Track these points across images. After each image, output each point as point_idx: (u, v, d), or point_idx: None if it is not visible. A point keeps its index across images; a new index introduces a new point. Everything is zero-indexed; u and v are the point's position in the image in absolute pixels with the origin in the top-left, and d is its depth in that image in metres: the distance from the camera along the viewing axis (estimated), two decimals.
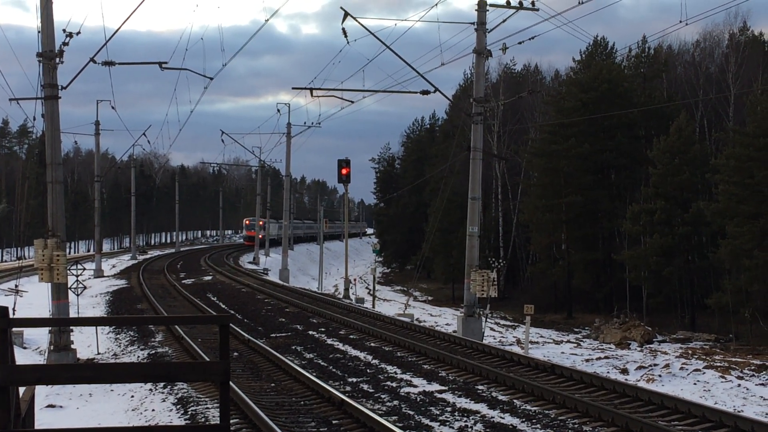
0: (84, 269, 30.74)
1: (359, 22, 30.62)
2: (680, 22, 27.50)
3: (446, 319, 47.09)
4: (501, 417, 15.30)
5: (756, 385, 20.27)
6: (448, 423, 14.76)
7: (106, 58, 27.96)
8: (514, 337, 37.12)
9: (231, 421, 12.38)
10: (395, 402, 16.48)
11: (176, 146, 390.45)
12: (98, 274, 59.93)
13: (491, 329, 39.75)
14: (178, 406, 16.33)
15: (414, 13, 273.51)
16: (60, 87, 23.28)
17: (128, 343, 26.07)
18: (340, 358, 22.15)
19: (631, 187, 60.13)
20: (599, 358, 25.59)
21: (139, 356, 23.42)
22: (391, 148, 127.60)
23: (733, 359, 27.43)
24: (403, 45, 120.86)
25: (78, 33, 23.74)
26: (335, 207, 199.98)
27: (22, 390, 9.21)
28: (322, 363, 21.24)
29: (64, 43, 23.25)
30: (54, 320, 19.77)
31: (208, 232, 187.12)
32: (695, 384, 20.37)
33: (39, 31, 22.81)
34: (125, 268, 68.77)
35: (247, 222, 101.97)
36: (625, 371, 22.73)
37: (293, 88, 65.81)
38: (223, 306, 36.65)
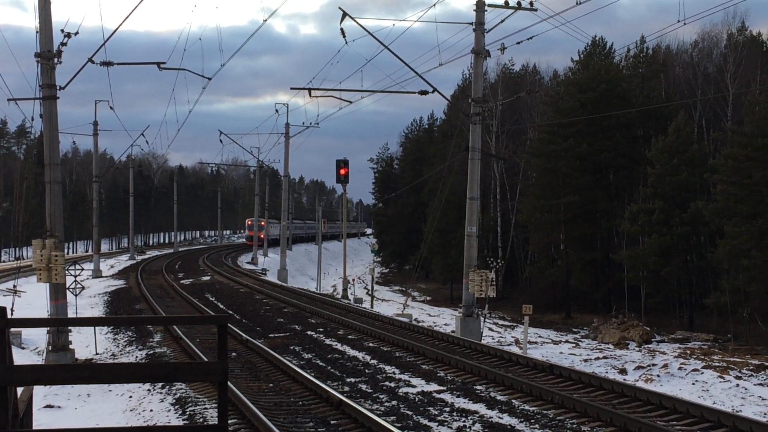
0: (82, 269, 30.72)
1: (358, 23, 30.64)
2: (678, 21, 27.50)
3: (445, 319, 47.12)
4: (499, 417, 15.30)
5: (754, 385, 20.28)
6: (446, 423, 14.76)
7: (104, 59, 27.97)
8: (512, 337, 37.14)
9: (229, 422, 12.38)
10: (394, 402, 16.48)
11: (174, 146, 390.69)
12: (96, 274, 59.90)
13: (490, 329, 39.77)
14: (176, 407, 16.33)
15: (412, 13, 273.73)
16: (58, 87, 23.27)
17: (126, 343, 26.05)
18: (338, 358, 22.14)
19: (629, 187, 60.15)
20: (598, 358, 25.60)
21: (137, 356, 23.41)
22: (389, 149, 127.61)
23: (732, 359, 27.45)
24: (402, 45, 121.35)
25: (76, 33, 23.75)
26: (334, 207, 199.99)
27: (20, 390, 9.20)
28: (321, 363, 21.24)
29: (63, 44, 23.26)
30: (52, 320, 19.76)
31: (206, 233, 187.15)
32: (694, 384, 20.38)
33: (37, 32, 22.80)
34: (123, 268, 68.74)
35: (249, 222, 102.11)
36: (623, 371, 22.74)
37: (292, 89, 66.00)
38: (222, 306, 36.64)
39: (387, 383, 18.48)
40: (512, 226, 69.80)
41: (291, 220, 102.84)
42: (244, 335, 25.19)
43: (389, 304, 59.28)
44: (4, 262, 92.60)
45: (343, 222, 61.33)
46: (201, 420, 15.16)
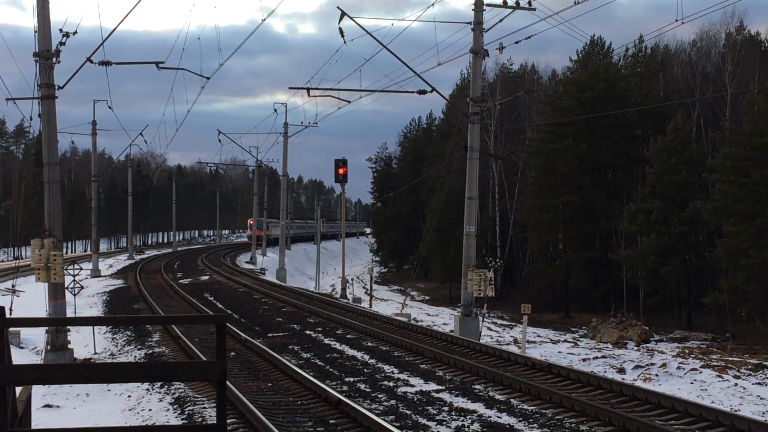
0: (81, 269, 30.71)
1: (356, 22, 30.63)
2: (677, 21, 27.50)
3: (443, 319, 47.12)
4: (498, 416, 15.30)
5: (753, 384, 20.29)
6: (445, 422, 14.76)
7: (102, 58, 28.01)
8: (511, 336, 37.13)
9: (228, 421, 12.38)
10: (392, 401, 16.48)
11: (173, 146, 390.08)
12: (95, 273, 59.86)
13: (488, 329, 39.77)
14: (175, 406, 16.33)
15: (411, 12, 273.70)
16: (57, 87, 23.27)
17: (125, 342, 26.05)
18: (337, 357, 22.15)
19: (628, 186, 60.19)
20: (596, 358, 25.60)
21: (136, 356, 23.41)
22: (388, 148, 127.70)
23: (730, 358, 27.46)
24: (400, 45, 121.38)
25: (75, 33, 23.74)
26: (332, 207, 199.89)
27: (18, 390, 9.20)
28: (319, 362, 21.24)
29: (61, 43, 23.25)
30: (51, 320, 19.77)
31: (205, 232, 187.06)
32: (692, 383, 20.38)
33: (36, 31, 22.79)
34: (122, 267, 68.71)
35: (251, 222, 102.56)
36: (622, 371, 22.75)
37: (290, 88, 65.82)
38: (220, 306, 36.63)
39: (386, 382, 18.48)
40: (511, 225, 69.84)
41: (290, 220, 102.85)
42: (242, 335, 25.19)
43: (388, 303, 59.29)
44: (2, 261, 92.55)
45: (341, 221, 61.32)
46: (200, 419, 15.16)
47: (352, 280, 62.03)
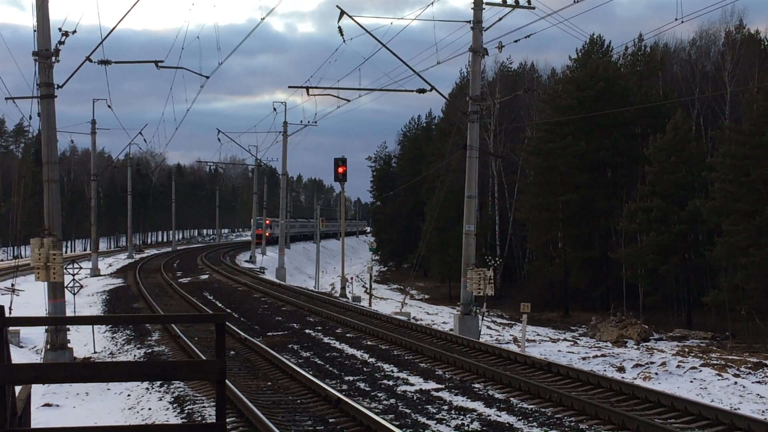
0: (80, 268, 30.73)
1: (355, 21, 30.61)
2: (676, 20, 27.50)
3: (443, 318, 47.12)
4: (497, 415, 15.31)
5: (752, 383, 20.29)
6: (444, 421, 14.76)
7: (102, 57, 28.00)
8: (510, 335, 37.12)
9: (227, 420, 12.39)
10: (392, 400, 16.48)
11: (172, 145, 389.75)
12: (95, 273, 59.87)
13: (488, 327, 39.77)
14: (174, 405, 16.33)
15: (410, 11, 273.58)
16: (56, 86, 23.25)
17: (125, 341, 26.06)
18: (336, 356, 22.15)
19: (627, 185, 60.19)
20: (596, 356, 25.58)
21: (135, 355, 23.41)
22: (387, 147, 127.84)
23: (730, 357, 27.45)
24: (399, 43, 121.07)
25: (74, 32, 23.71)
26: (332, 205, 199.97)
27: (18, 389, 9.19)
28: (319, 361, 21.25)
29: (60, 42, 23.23)
30: (50, 319, 19.72)
31: (204, 231, 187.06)
32: (692, 382, 20.38)
33: (35, 30, 22.78)
34: (122, 267, 68.72)
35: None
36: (621, 369, 22.74)
37: (289, 87, 65.93)
38: (220, 305, 36.62)
39: (385, 381, 18.49)
40: (510, 224, 69.83)
41: (289, 219, 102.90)
42: (242, 334, 25.19)
43: (387, 302, 59.27)
44: (2, 260, 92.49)
45: (341, 220, 61.33)
46: (199, 418, 15.17)
47: (352, 278, 62.02)
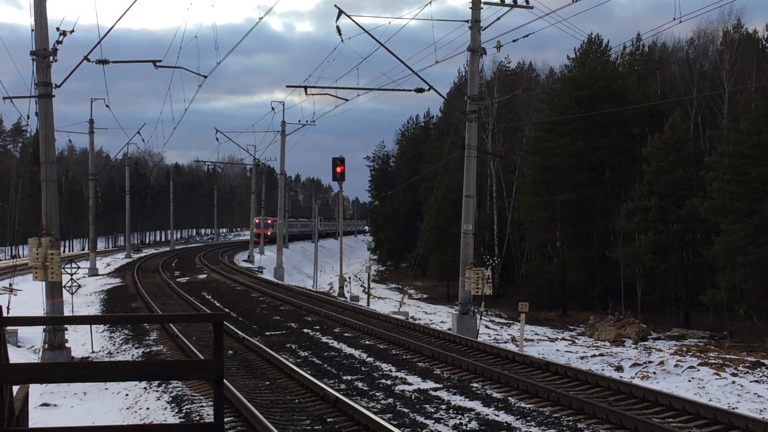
0: (78, 268, 30.70)
1: (353, 20, 30.61)
2: (674, 19, 27.50)
3: (441, 317, 47.12)
4: (495, 414, 15.31)
5: (750, 382, 20.28)
6: (442, 421, 14.76)
7: (100, 57, 27.97)
8: (508, 334, 37.12)
9: (225, 420, 12.38)
10: (390, 400, 16.48)
11: (171, 144, 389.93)
12: (93, 272, 59.84)
13: (486, 327, 39.77)
14: (172, 405, 16.33)
15: (408, 10, 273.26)
16: (54, 85, 23.25)
17: (123, 341, 26.05)
18: (334, 356, 22.15)
19: (625, 184, 60.20)
20: (594, 356, 25.58)
21: (133, 354, 23.41)
22: (385, 146, 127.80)
23: (728, 356, 27.45)
24: (398, 43, 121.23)
25: (72, 31, 23.68)
26: (330, 205, 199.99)
27: (16, 389, 9.19)
28: (317, 361, 21.25)
29: (58, 42, 23.21)
30: (48, 319, 19.70)
31: (202, 231, 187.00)
32: (690, 381, 20.38)
33: (33, 30, 22.77)
34: (120, 266, 68.69)
35: (257, 221, 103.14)
36: (619, 368, 22.73)
37: (287, 86, 65.78)
38: (218, 304, 36.62)
39: (383, 381, 18.49)
40: (508, 223, 69.84)
41: (288, 219, 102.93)
42: (240, 333, 25.20)
43: (386, 301, 59.26)
44: (0, 260, 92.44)
45: (339, 220, 61.31)
46: (197, 418, 15.17)
47: (350, 278, 62.02)
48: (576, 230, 59.81)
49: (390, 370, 19.88)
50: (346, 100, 42.43)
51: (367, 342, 24.76)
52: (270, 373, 19.31)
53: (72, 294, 28.83)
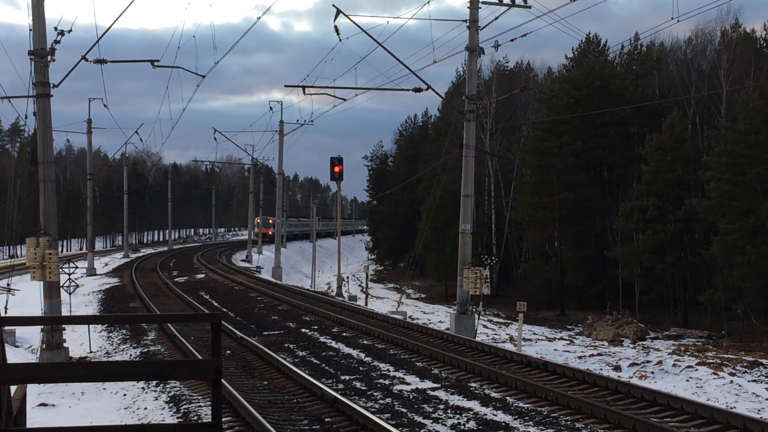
0: (76, 267, 30.67)
1: (351, 20, 30.59)
2: (672, 19, 27.54)
3: (439, 317, 47.12)
4: (494, 414, 15.31)
5: (748, 381, 20.29)
6: (440, 420, 14.76)
7: (97, 56, 27.96)
8: (507, 334, 37.14)
9: (223, 419, 12.37)
10: (388, 399, 16.48)
11: (168, 144, 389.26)
12: (91, 272, 59.80)
13: (484, 326, 39.79)
14: (170, 404, 16.32)
15: (406, 10, 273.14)
16: (52, 85, 23.21)
17: (121, 341, 26.03)
18: (332, 355, 22.14)
19: (623, 184, 60.24)
20: (592, 355, 25.59)
21: (131, 354, 23.39)
22: (383, 146, 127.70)
23: (726, 356, 27.48)
24: (396, 42, 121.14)
25: (69, 31, 23.66)
26: (328, 205, 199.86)
27: (13, 388, 9.18)
28: (315, 361, 21.24)
29: (56, 41, 23.19)
30: (46, 318, 19.67)
31: (201, 230, 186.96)
32: (688, 381, 20.39)
33: (30, 29, 22.75)
34: (118, 266, 68.64)
35: (259, 221, 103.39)
36: (617, 368, 22.74)
37: (286, 86, 65.55)
38: (216, 304, 36.61)
39: (381, 380, 18.48)
40: (507, 223, 69.88)
41: (286, 218, 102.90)
42: (238, 333, 25.19)
43: (384, 301, 59.27)
44: None
45: (337, 219, 61.30)
46: (195, 418, 15.16)
47: (348, 278, 62.01)
48: (574, 230, 59.86)
49: (388, 370, 19.88)
50: (344, 99, 42.42)
51: (365, 342, 24.75)
52: (268, 373, 19.30)
53: (70, 294, 28.80)
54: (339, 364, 20.73)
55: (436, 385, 17.96)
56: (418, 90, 32.78)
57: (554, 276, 60.89)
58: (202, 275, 55.58)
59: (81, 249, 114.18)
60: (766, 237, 43.45)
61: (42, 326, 23.27)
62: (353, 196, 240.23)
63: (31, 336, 27.39)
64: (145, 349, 23.70)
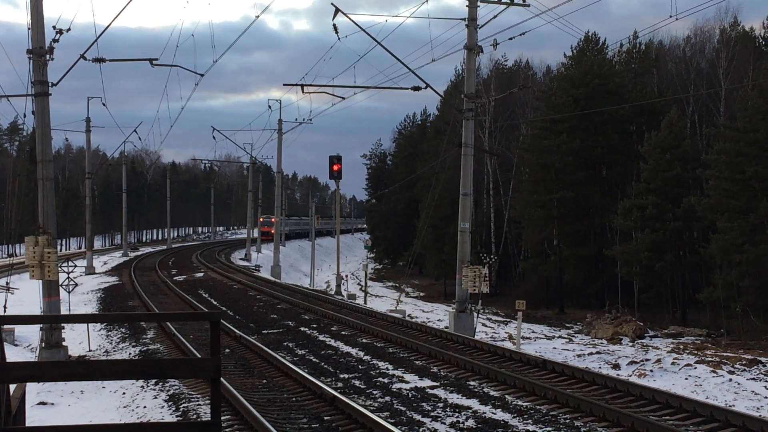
0: (75, 266, 30.63)
1: (350, 18, 30.58)
2: (671, 17, 27.54)
3: (438, 315, 47.11)
4: (492, 412, 15.31)
5: (747, 379, 20.30)
6: (439, 419, 14.77)
7: (96, 55, 27.90)
8: (505, 332, 37.14)
9: (222, 418, 12.38)
10: (387, 398, 16.48)
11: (167, 143, 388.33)
12: (90, 271, 59.76)
13: (483, 325, 39.79)
14: (169, 403, 16.32)
15: (405, 9, 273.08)
16: (50, 84, 23.19)
17: (120, 340, 26.03)
18: (331, 354, 22.15)
19: (622, 182, 60.26)
20: (591, 354, 25.60)
21: (130, 353, 23.39)
22: (382, 144, 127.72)
23: (725, 354, 27.50)
24: (394, 41, 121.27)
25: (68, 30, 23.62)
26: (327, 203, 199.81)
27: (13, 387, 9.18)
28: (314, 359, 21.24)
29: (55, 40, 23.15)
30: (45, 317, 19.65)
31: (199, 229, 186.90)
32: (687, 379, 20.40)
33: (29, 28, 22.71)
34: (117, 265, 68.62)
35: (261, 219, 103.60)
36: (616, 366, 22.75)
37: (284, 85, 65.91)
38: (215, 303, 36.60)
39: (380, 379, 18.49)
40: (505, 221, 69.88)
41: (285, 217, 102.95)
42: (237, 331, 25.19)
43: (383, 300, 59.25)
44: None
45: (336, 218, 61.31)
46: (194, 416, 15.16)
47: (347, 276, 61.98)
48: (573, 228, 59.85)
49: (387, 369, 19.89)
50: (343, 98, 42.40)
51: (364, 340, 24.76)
52: (267, 372, 19.30)
53: (69, 292, 28.79)
54: (338, 362, 20.73)
55: (435, 384, 17.96)
56: (416, 88, 32.77)
57: (553, 274, 60.91)
58: (201, 274, 55.57)
59: (80, 248, 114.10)
60: (764, 235, 43.48)
61: (41, 325, 23.26)
62: (352, 194, 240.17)
63: (30, 335, 27.37)
64: (144, 348, 23.70)
